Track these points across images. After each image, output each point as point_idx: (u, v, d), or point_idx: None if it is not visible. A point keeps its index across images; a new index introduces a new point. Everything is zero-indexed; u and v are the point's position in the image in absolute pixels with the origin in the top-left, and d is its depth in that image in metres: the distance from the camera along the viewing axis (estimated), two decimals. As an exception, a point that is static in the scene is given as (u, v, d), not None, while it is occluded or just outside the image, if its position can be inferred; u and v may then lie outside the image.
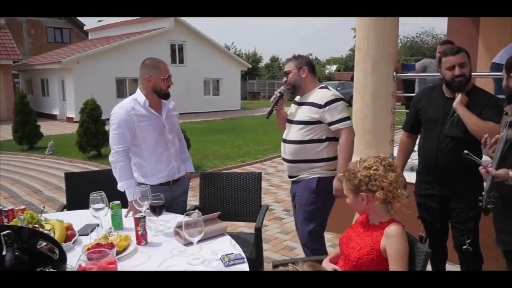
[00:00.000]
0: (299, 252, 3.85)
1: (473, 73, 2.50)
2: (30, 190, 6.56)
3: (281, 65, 40.26)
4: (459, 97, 2.42)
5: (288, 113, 2.90)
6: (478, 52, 6.05)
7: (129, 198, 2.49)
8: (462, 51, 2.44)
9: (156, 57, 2.77)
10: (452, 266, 3.07)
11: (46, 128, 13.06)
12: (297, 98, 2.86)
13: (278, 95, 2.79)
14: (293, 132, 2.74)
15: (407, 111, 4.91)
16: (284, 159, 2.85)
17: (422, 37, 39.42)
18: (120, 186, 2.57)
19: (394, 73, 3.81)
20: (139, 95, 2.68)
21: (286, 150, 2.79)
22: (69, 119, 17.31)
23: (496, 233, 2.24)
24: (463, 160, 2.27)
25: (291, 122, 2.79)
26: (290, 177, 2.88)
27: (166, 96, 2.71)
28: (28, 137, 10.02)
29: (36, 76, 19.94)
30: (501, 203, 2.09)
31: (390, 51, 3.79)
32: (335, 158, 2.71)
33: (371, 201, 1.88)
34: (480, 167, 2.02)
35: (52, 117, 18.51)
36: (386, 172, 1.86)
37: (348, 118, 2.67)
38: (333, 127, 2.63)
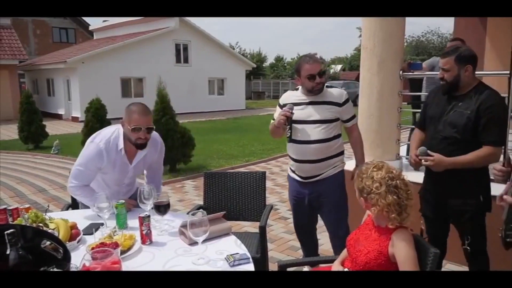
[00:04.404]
0: (304, 252, 3.83)
1: (477, 72, 2.44)
2: (36, 189, 6.58)
3: (285, 64, 40.26)
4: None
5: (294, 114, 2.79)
6: (485, 51, 6.00)
7: (91, 207, 2.39)
8: (448, 55, 2.37)
9: (145, 104, 2.50)
10: (456, 266, 3.04)
11: (52, 127, 13.11)
12: (302, 99, 2.78)
13: (290, 115, 2.68)
14: (315, 132, 2.73)
15: (414, 110, 4.90)
16: (306, 161, 2.79)
17: (427, 36, 39.22)
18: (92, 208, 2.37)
19: (401, 71, 3.78)
20: (121, 138, 2.50)
21: (311, 151, 2.75)
22: (74, 119, 17.40)
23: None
24: None
25: (307, 122, 2.75)
26: (310, 177, 2.84)
27: (138, 146, 2.47)
28: (33, 137, 10.07)
29: (42, 76, 20.05)
30: None
31: (396, 49, 3.75)
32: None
33: (369, 208, 1.92)
34: (497, 200, 1.83)
35: (58, 117, 18.61)
36: (387, 194, 1.81)
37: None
38: (349, 123, 2.89)
